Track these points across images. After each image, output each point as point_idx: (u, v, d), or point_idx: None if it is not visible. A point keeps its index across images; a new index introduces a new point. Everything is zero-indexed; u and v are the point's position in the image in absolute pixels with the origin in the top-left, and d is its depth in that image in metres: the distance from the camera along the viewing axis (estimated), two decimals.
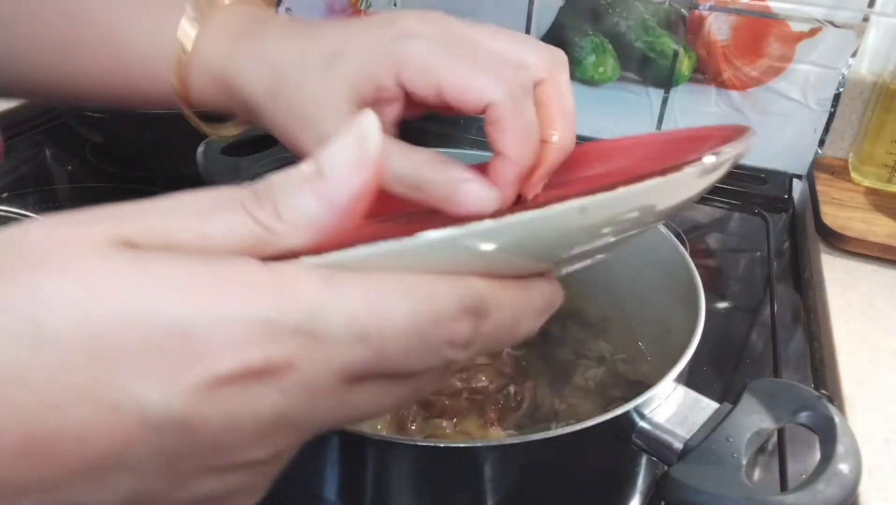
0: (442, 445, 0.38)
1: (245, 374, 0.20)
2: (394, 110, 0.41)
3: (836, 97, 0.91)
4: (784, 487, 0.53)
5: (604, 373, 0.59)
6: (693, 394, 0.43)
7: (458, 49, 0.41)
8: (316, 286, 0.21)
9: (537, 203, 0.22)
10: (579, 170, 0.43)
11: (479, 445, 0.41)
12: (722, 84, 0.95)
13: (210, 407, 0.20)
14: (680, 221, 0.90)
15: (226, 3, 0.46)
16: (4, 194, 0.87)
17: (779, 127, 0.95)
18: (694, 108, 0.98)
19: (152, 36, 0.46)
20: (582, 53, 1.00)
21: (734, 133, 0.31)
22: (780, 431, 0.56)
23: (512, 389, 0.56)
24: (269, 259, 0.22)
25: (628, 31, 0.97)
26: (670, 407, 0.41)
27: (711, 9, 0.92)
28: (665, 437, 0.40)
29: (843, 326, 0.66)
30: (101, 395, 0.20)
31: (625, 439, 0.41)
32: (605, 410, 0.54)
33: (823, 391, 0.61)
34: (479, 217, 0.22)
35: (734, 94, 0.95)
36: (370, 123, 0.23)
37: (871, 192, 0.86)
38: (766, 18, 0.90)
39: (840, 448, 0.38)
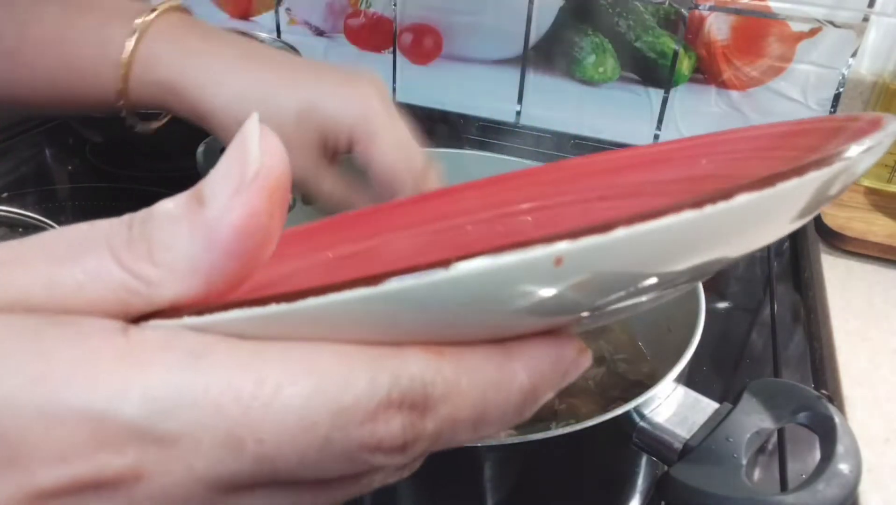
0: None
1: (75, 487, 0.16)
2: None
3: (836, 97, 0.91)
4: (784, 487, 0.53)
5: (604, 373, 0.59)
6: (693, 394, 0.43)
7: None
8: (179, 366, 0.16)
9: (605, 222, 0.14)
10: (640, 176, 0.31)
11: (479, 445, 0.41)
12: (722, 84, 0.95)
13: None
14: None
15: (164, 7, 0.49)
16: (4, 194, 0.87)
17: None
18: (694, 108, 0.98)
19: (99, 37, 0.48)
20: (582, 53, 1.00)
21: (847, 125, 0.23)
22: (780, 431, 0.56)
23: None
24: (146, 317, 0.17)
25: (628, 31, 0.97)
26: (670, 407, 0.41)
27: (711, 9, 0.92)
28: (665, 437, 0.40)
29: (843, 326, 0.66)
30: None
31: (625, 439, 0.41)
32: (605, 410, 0.54)
33: (823, 391, 0.61)
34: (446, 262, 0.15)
35: (734, 94, 0.95)
36: (250, 131, 0.17)
37: (871, 192, 0.86)
38: (766, 18, 0.90)
39: (840, 448, 0.38)
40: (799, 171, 0.15)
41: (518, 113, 1.07)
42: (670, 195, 0.24)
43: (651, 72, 0.98)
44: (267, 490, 0.17)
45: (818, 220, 0.80)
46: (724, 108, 0.97)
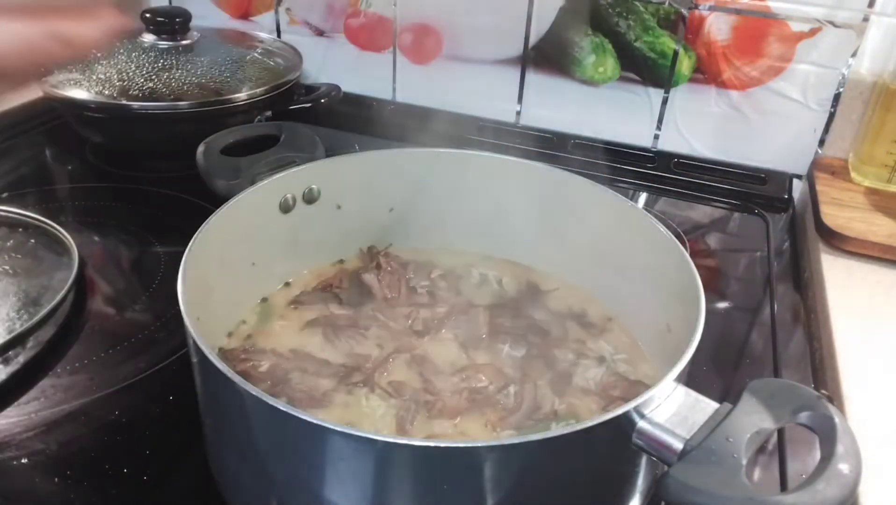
0: (442, 444, 0.38)
1: None
2: None
3: (836, 97, 0.91)
4: (784, 487, 0.53)
5: (604, 373, 0.59)
6: (693, 394, 0.43)
7: None
8: None
9: None
10: None
11: (479, 444, 0.41)
12: (722, 84, 0.95)
13: None
14: (680, 221, 0.90)
15: None
16: (4, 194, 0.87)
17: (779, 127, 0.95)
18: (694, 108, 0.98)
19: None
20: (582, 53, 1.00)
21: None
22: (780, 431, 0.56)
23: (512, 389, 0.56)
24: None
25: (628, 31, 0.97)
26: (670, 407, 0.41)
27: (711, 9, 0.92)
28: (665, 437, 0.40)
29: (843, 326, 0.66)
30: None
31: (625, 439, 0.41)
32: (605, 410, 0.54)
33: (823, 391, 0.61)
34: None
35: (734, 94, 0.95)
36: None
37: (871, 192, 0.86)
38: (766, 18, 0.90)
39: (840, 448, 0.38)
40: None
41: (518, 113, 1.07)
42: None
43: (651, 72, 0.98)
44: None
45: (818, 220, 0.80)
46: (724, 108, 0.97)
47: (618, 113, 1.02)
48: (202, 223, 0.54)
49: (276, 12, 1.15)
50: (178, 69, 0.95)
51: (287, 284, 0.67)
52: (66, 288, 0.66)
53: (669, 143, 1.01)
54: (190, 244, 0.52)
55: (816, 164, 0.93)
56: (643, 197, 0.96)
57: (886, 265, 0.75)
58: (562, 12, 0.99)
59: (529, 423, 0.53)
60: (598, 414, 0.48)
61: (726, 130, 0.98)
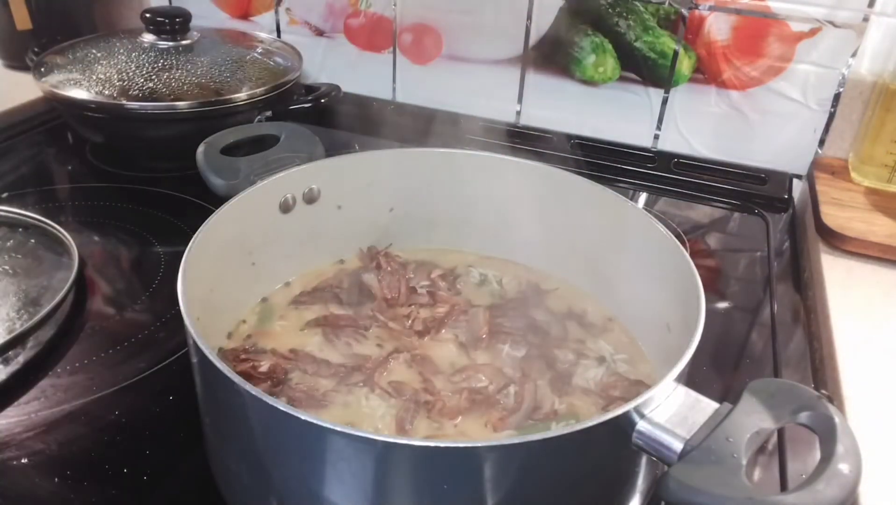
0: (442, 445, 0.38)
1: None
2: None
3: (836, 97, 0.91)
4: (784, 487, 0.53)
5: (604, 373, 0.59)
6: (693, 394, 0.43)
7: None
8: None
9: None
10: None
11: (479, 445, 0.41)
12: (722, 84, 0.95)
13: None
14: (680, 221, 0.90)
15: None
16: (4, 194, 0.87)
17: (779, 127, 0.95)
18: (694, 108, 0.98)
19: None
20: (582, 53, 1.00)
21: None
22: (780, 431, 0.56)
23: (512, 389, 0.56)
24: None
25: (628, 31, 0.97)
26: (670, 407, 0.41)
27: (711, 9, 0.92)
28: (665, 437, 0.40)
29: (843, 326, 0.66)
30: None
31: (625, 439, 0.41)
32: (605, 410, 0.54)
33: (823, 391, 0.61)
34: None
35: (734, 94, 0.95)
36: None
37: (871, 192, 0.86)
38: (766, 18, 0.90)
39: (840, 448, 0.38)
40: None
41: (518, 113, 1.07)
42: None
43: (651, 72, 0.98)
44: None
45: (818, 221, 0.80)
46: (724, 108, 0.97)
47: (618, 113, 1.02)
48: (202, 223, 0.54)
49: (276, 12, 1.15)
50: (178, 69, 0.95)
51: (287, 284, 0.67)
52: (66, 288, 0.66)
53: (669, 143, 1.01)
54: (190, 244, 0.52)
55: (816, 164, 0.93)
56: (643, 197, 0.96)
57: (886, 265, 0.75)
58: (562, 12, 0.99)
59: (529, 423, 0.53)
60: (598, 414, 0.48)
61: (726, 130, 0.98)
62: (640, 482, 0.47)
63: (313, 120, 0.95)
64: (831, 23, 0.87)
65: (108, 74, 0.93)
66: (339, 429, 0.37)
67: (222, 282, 0.57)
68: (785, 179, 0.97)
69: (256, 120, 0.95)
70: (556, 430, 0.40)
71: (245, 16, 1.18)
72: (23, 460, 0.53)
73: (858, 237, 0.76)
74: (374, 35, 1.10)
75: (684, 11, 0.93)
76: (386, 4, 1.07)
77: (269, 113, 0.96)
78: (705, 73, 0.95)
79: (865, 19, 0.86)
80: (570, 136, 1.04)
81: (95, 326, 0.67)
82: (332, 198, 0.67)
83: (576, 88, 1.03)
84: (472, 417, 0.53)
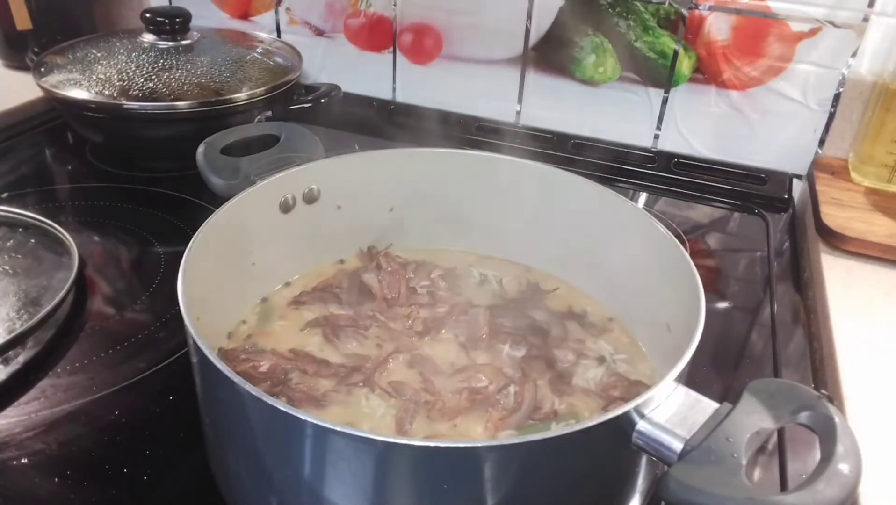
0: (442, 445, 0.38)
1: None
2: None
3: (836, 97, 0.91)
4: (784, 487, 0.53)
5: (604, 373, 0.59)
6: (693, 394, 0.43)
7: None
8: None
9: None
10: None
11: (479, 445, 0.41)
12: (722, 84, 0.95)
13: None
14: (680, 221, 0.90)
15: None
16: (4, 194, 0.87)
17: (779, 127, 0.95)
18: (694, 108, 0.98)
19: None
20: (582, 53, 1.00)
21: None
22: (780, 431, 0.56)
23: (512, 389, 0.56)
24: None
25: (628, 31, 0.97)
26: (670, 407, 0.41)
27: (711, 9, 0.92)
28: (665, 437, 0.40)
29: (843, 326, 0.66)
30: None
31: (625, 439, 0.41)
32: (605, 410, 0.54)
33: (823, 391, 0.61)
34: None
35: (734, 94, 0.95)
36: None
37: (871, 192, 0.86)
38: (766, 18, 0.90)
39: (840, 448, 0.38)
40: None
41: (518, 113, 1.07)
42: None
43: (651, 72, 0.98)
44: None
45: (818, 220, 0.80)
46: (724, 108, 0.97)
47: (618, 113, 1.02)
48: (202, 223, 0.54)
49: (276, 12, 1.15)
50: (178, 69, 0.95)
51: (287, 284, 0.67)
52: (66, 288, 0.66)
53: (669, 143, 1.01)
54: (190, 244, 0.52)
55: (816, 164, 0.93)
56: (643, 197, 0.96)
57: (886, 265, 0.75)
58: (562, 12, 0.99)
59: (529, 423, 0.53)
60: (598, 414, 0.48)
61: (726, 130, 0.98)
62: (640, 482, 0.47)
63: (313, 120, 0.95)
64: (831, 23, 0.87)
65: (108, 74, 0.93)
66: (339, 429, 0.37)
67: (222, 282, 0.57)
68: (785, 179, 0.97)
69: (256, 120, 0.95)
70: (556, 430, 0.40)
71: (245, 16, 1.18)
72: (23, 460, 0.53)
73: (858, 237, 0.76)
74: (374, 35, 1.10)
75: (684, 11, 0.93)
76: (386, 4, 1.07)
77: (269, 113, 0.96)
78: (705, 73, 0.95)
79: (865, 19, 0.86)
80: (570, 136, 1.04)
81: (95, 326, 0.67)
82: (332, 198, 0.67)
83: (576, 88, 1.03)
84: (472, 417, 0.53)
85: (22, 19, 1.14)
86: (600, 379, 0.58)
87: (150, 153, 0.98)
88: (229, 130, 0.70)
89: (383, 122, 1.09)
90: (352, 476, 0.40)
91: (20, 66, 1.14)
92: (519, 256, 0.72)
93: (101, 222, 0.84)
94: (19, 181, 0.93)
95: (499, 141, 1.04)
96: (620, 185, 0.97)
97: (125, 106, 0.90)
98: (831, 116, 0.92)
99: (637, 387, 0.57)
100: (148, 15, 0.99)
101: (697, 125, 0.99)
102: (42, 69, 0.96)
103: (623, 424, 0.40)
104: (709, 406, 0.42)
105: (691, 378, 0.45)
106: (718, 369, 0.65)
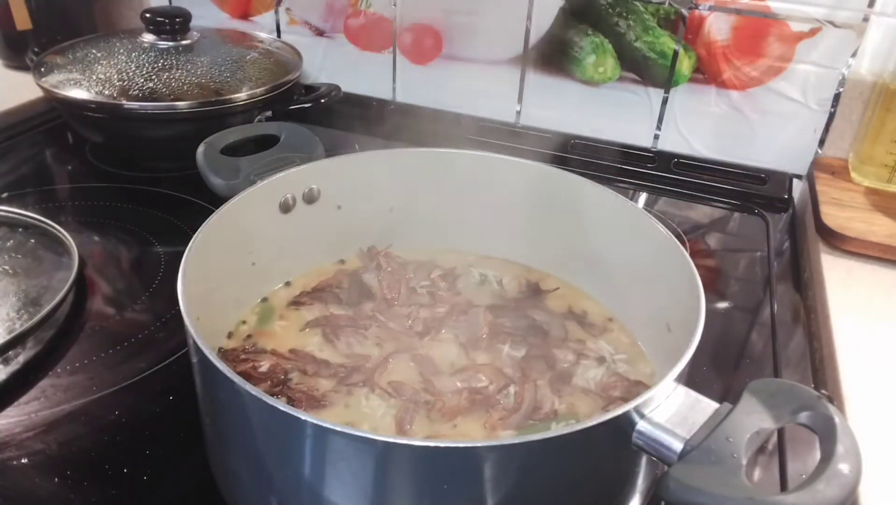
0: (442, 445, 0.38)
1: None
2: None
3: (836, 97, 0.91)
4: (784, 487, 0.53)
5: (604, 373, 0.59)
6: (693, 394, 0.43)
7: None
8: None
9: None
10: None
11: (479, 445, 0.41)
12: (722, 84, 0.95)
13: None
14: (680, 221, 0.90)
15: None
16: (4, 194, 0.87)
17: (779, 127, 0.95)
18: (694, 108, 0.98)
19: None
20: (582, 53, 1.00)
21: None
22: (780, 431, 0.56)
23: (512, 389, 0.56)
24: None
25: (628, 31, 0.97)
26: (670, 407, 0.41)
27: (711, 9, 0.92)
28: (665, 437, 0.40)
29: (843, 326, 0.66)
30: None
31: (625, 439, 0.41)
32: (605, 410, 0.54)
33: (823, 391, 0.61)
34: None
35: (734, 94, 0.95)
36: None
37: (871, 192, 0.86)
38: (766, 18, 0.90)
39: (840, 448, 0.38)
40: None
41: (518, 113, 1.07)
42: None
43: (651, 72, 0.98)
44: None
45: (818, 220, 0.80)
46: (724, 108, 0.97)
47: (618, 113, 1.02)
48: (202, 223, 0.54)
49: (276, 12, 1.15)
50: (178, 69, 0.95)
51: (287, 284, 0.67)
52: (66, 288, 0.66)
53: (669, 143, 1.01)
54: (190, 244, 0.52)
55: (816, 164, 0.93)
56: (643, 197, 0.96)
57: (886, 265, 0.75)
58: (562, 12, 0.99)
59: (529, 423, 0.53)
60: (598, 414, 0.48)
61: (726, 130, 0.98)
62: (640, 482, 0.47)
63: (313, 120, 0.95)
64: (831, 23, 0.87)
65: (108, 74, 0.93)
66: (339, 429, 0.37)
67: (222, 282, 0.57)
68: (785, 179, 0.97)
69: (256, 120, 0.95)
70: (556, 430, 0.40)
71: (245, 16, 1.18)
72: (23, 460, 0.53)
73: (858, 237, 0.76)
74: (374, 35, 1.10)
75: (684, 11, 0.93)
76: (386, 4, 1.07)
77: (269, 113, 0.96)
78: (705, 73, 0.95)
79: (865, 19, 0.86)
80: (570, 136, 1.04)
81: (95, 326, 0.67)
82: (332, 198, 0.67)
83: (576, 88, 1.03)
84: (472, 417, 0.53)
85: (22, 19, 1.14)
86: (600, 379, 0.58)
87: (150, 153, 0.98)
88: (229, 130, 0.70)
89: (383, 122, 1.09)
90: (352, 476, 0.40)
91: (20, 66, 1.14)
92: (519, 256, 0.72)
93: (101, 222, 0.84)
94: (19, 181, 0.93)
95: (499, 141, 1.04)
96: (620, 185, 0.97)
97: (125, 106, 0.90)
98: (831, 116, 0.92)
99: (637, 387, 0.57)
100: (148, 15, 0.99)
101: (697, 125, 0.99)
102: (42, 69, 0.96)
103: (623, 424, 0.40)
104: (709, 406, 0.42)
105: (691, 378, 0.45)
106: (718, 369, 0.65)
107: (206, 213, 0.56)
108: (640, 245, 0.60)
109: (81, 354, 0.63)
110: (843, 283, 0.72)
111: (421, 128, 1.05)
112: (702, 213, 0.93)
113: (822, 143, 0.94)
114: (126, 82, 0.92)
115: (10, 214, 0.78)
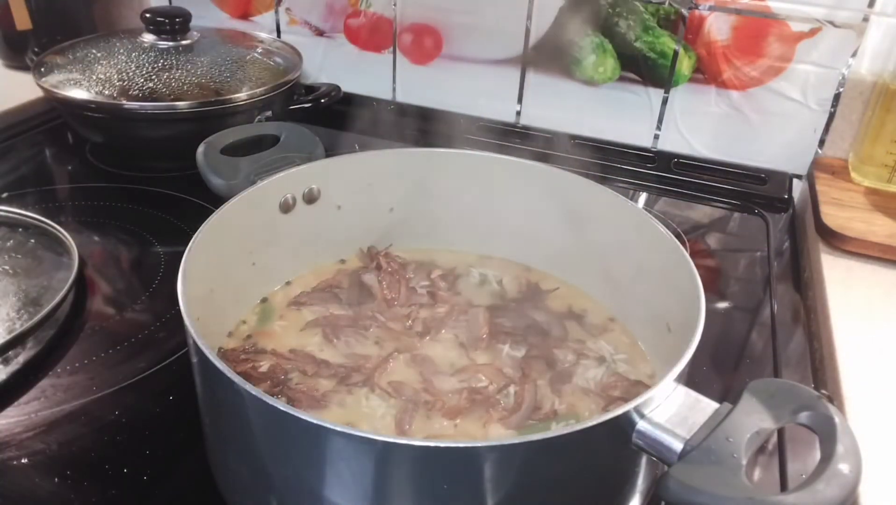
0: (442, 445, 0.38)
1: None
2: None
3: (836, 97, 0.91)
4: (784, 487, 0.53)
5: (604, 373, 0.59)
6: (693, 394, 0.43)
7: None
8: None
9: None
10: None
11: (479, 445, 0.41)
12: (722, 84, 0.95)
13: None
14: (680, 221, 0.90)
15: None
16: (4, 194, 0.87)
17: (779, 127, 0.95)
18: (694, 108, 0.98)
19: None
20: (582, 53, 1.00)
21: None
22: (780, 431, 0.56)
23: (512, 389, 0.56)
24: None
25: (628, 31, 0.97)
26: (670, 407, 0.41)
27: (711, 9, 0.92)
28: (665, 437, 0.40)
29: (843, 326, 0.66)
30: None
31: (625, 439, 0.41)
32: (605, 410, 0.54)
33: (823, 391, 0.61)
34: None
35: (734, 94, 0.95)
36: None
37: (871, 192, 0.86)
38: (766, 18, 0.90)
39: (840, 448, 0.38)
40: None
41: (518, 113, 1.07)
42: None
43: (651, 72, 0.98)
44: None
45: (818, 221, 0.80)
46: (724, 108, 0.97)
47: (618, 113, 1.02)
48: (202, 223, 0.54)
49: (276, 12, 1.15)
50: (178, 69, 0.95)
51: (287, 284, 0.67)
52: (66, 288, 0.66)
53: (669, 143, 1.01)
54: (190, 244, 0.52)
55: (816, 164, 0.93)
56: (643, 197, 0.96)
57: (886, 265, 0.75)
58: (562, 12, 0.99)
59: (529, 423, 0.53)
60: (598, 414, 0.48)
61: (726, 130, 0.98)
62: (640, 482, 0.47)
63: (313, 120, 0.95)
64: (831, 23, 0.87)
65: (108, 74, 0.93)
66: (339, 429, 0.37)
67: (222, 282, 0.57)
68: (785, 179, 0.97)
69: (256, 120, 0.95)
70: (556, 430, 0.40)
71: (245, 16, 1.18)
72: (23, 460, 0.53)
73: (858, 237, 0.76)
74: (374, 35, 1.10)
75: (684, 11, 0.93)
76: (386, 4, 1.07)
77: (269, 113, 0.96)
78: (705, 73, 0.95)
79: (865, 19, 0.86)
80: (570, 136, 1.04)
81: (95, 326, 0.67)
82: (332, 198, 0.67)
83: (576, 88, 1.03)
84: (472, 417, 0.53)
85: (22, 19, 1.14)
86: (600, 379, 0.58)
87: (150, 153, 0.98)
88: (229, 130, 0.70)
89: (383, 122, 1.09)
90: (352, 476, 0.40)
91: (20, 66, 1.14)
92: (519, 255, 0.72)
93: (101, 222, 0.84)
94: (19, 181, 0.93)
95: (499, 141, 1.04)
96: (620, 185, 0.97)
97: (125, 106, 0.90)
98: (831, 116, 0.92)
99: (637, 387, 0.57)
100: (148, 15, 0.99)
101: (697, 125, 0.99)
102: (42, 69, 0.96)
103: (623, 424, 0.40)
104: (709, 406, 0.42)
105: (691, 378, 0.45)
106: (718, 369, 0.65)
107: (206, 213, 0.56)
108: (640, 245, 0.60)
109: (81, 354, 0.63)
110: (843, 283, 0.72)
111: (421, 128, 1.05)
112: (702, 213, 0.93)
113: (822, 143, 0.94)
114: (126, 82, 0.92)
115: (10, 214, 0.78)
